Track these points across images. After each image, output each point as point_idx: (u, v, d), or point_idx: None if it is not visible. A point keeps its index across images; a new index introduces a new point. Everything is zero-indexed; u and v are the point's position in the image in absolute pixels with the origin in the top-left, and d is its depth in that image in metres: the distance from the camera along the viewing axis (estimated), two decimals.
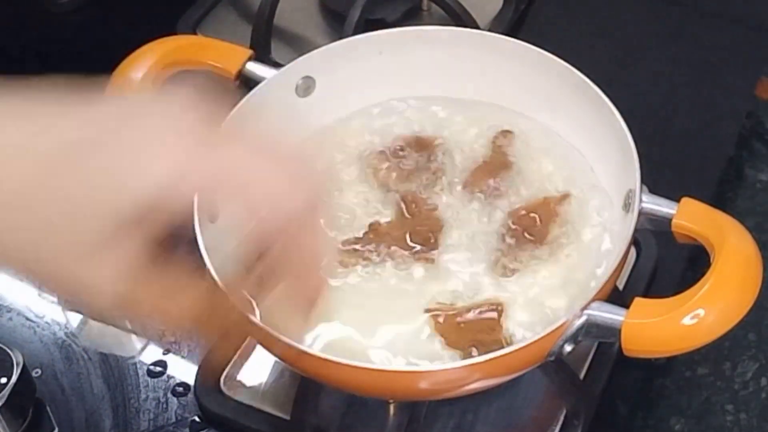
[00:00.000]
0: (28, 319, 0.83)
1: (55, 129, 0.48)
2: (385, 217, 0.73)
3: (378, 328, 0.68)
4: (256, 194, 0.50)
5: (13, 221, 0.48)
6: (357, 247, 0.71)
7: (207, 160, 0.48)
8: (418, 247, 0.71)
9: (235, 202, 0.51)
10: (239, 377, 0.78)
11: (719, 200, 0.90)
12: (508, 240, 0.72)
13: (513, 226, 0.72)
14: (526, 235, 0.72)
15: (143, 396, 0.78)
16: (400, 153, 0.76)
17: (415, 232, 0.72)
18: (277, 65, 0.77)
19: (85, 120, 0.49)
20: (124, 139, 0.48)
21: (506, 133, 0.77)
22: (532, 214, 0.73)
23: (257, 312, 0.59)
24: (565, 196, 0.74)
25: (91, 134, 0.48)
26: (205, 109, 0.49)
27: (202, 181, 0.49)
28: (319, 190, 0.53)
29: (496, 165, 0.76)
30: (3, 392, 0.72)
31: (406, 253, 0.71)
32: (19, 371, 0.73)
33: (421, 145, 0.77)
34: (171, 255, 0.51)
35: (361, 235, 0.72)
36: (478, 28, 0.96)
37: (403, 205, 0.73)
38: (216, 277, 0.65)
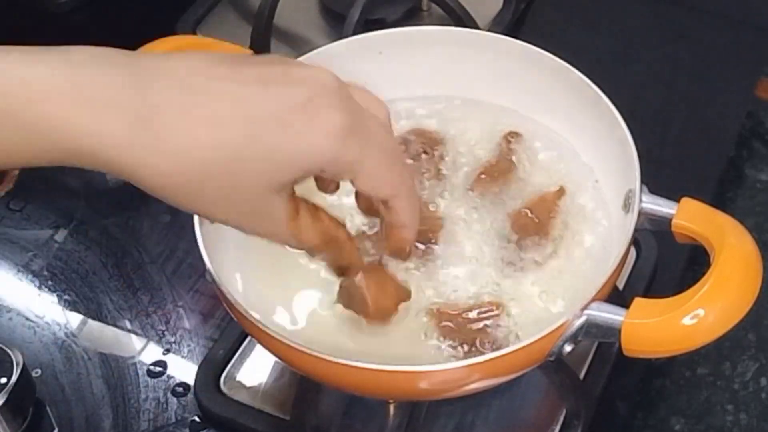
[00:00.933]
0: (28, 319, 0.83)
1: (248, 102, 0.55)
2: None
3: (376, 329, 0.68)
4: (366, 184, 0.59)
5: (218, 176, 0.55)
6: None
7: (350, 150, 0.56)
8: (418, 247, 0.71)
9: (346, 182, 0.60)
10: (239, 377, 0.78)
11: (719, 200, 0.90)
12: (510, 240, 0.72)
13: (514, 226, 0.72)
14: (526, 234, 0.72)
15: (143, 396, 0.78)
16: (411, 139, 0.76)
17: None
18: None
19: (264, 95, 0.55)
20: (290, 118, 0.55)
21: (514, 134, 0.77)
22: (531, 213, 0.73)
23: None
24: (560, 191, 0.74)
25: (270, 109, 0.55)
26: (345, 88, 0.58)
27: (343, 165, 0.57)
28: (413, 178, 0.63)
29: (499, 166, 0.76)
30: (3, 392, 0.72)
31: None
32: (19, 371, 0.73)
33: (427, 138, 0.77)
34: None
35: (363, 231, 0.72)
36: (478, 28, 0.96)
37: None
38: (216, 277, 0.65)
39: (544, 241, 0.72)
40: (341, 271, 0.65)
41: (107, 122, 0.53)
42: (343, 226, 0.64)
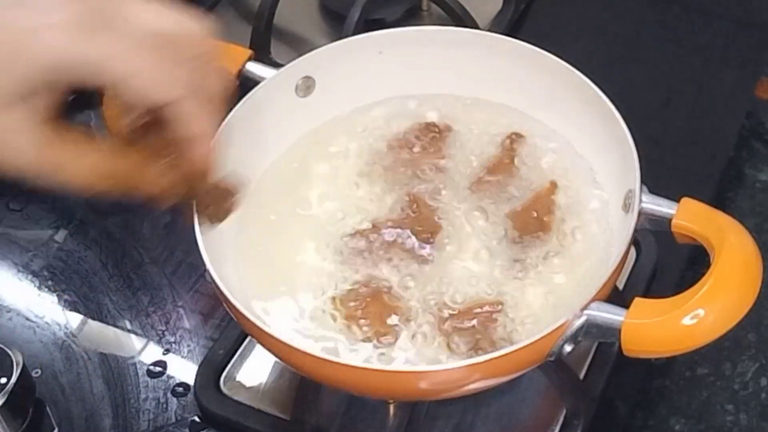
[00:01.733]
0: (28, 319, 0.83)
1: None
2: (386, 213, 0.73)
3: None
4: (132, 87, 0.50)
5: None
6: (355, 243, 0.71)
7: (90, 47, 0.48)
8: (417, 246, 0.71)
9: (118, 92, 0.50)
10: (239, 377, 0.78)
11: (719, 200, 0.90)
12: (510, 239, 0.72)
13: (514, 226, 0.72)
14: (527, 233, 0.72)
15: (143, 396, 0.78)
16: (411, 139, 0.77)
17: (415, 232, 0.72)
18: (276, 65, 0.77)
19: None
20: (25, 7, 0.48)
21: (517, 135, 0.77)
22: (530, 212, 0.73)
23: None
24: (552, 185, 0.74)
25: None
26: None
27: (86, 66, 0.48)
28: (199, 75, 0.53)
29: (500, 166, 0.76)
30: (3, 392, 0.72)
31: (405, 251, 0.71)
32: (19, 371, 0.73)
33: (428, 135, 0.77)
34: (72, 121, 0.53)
35: (362, 228, 0.72)
36: (478, 28, 0.96)
37: (405, 204, 0.73)
38: (216, 277, 0.65)
39: (544, 241, 0.72)
40: (152, 203, 0.57)
41: None
42: (132, 155, 0.53)
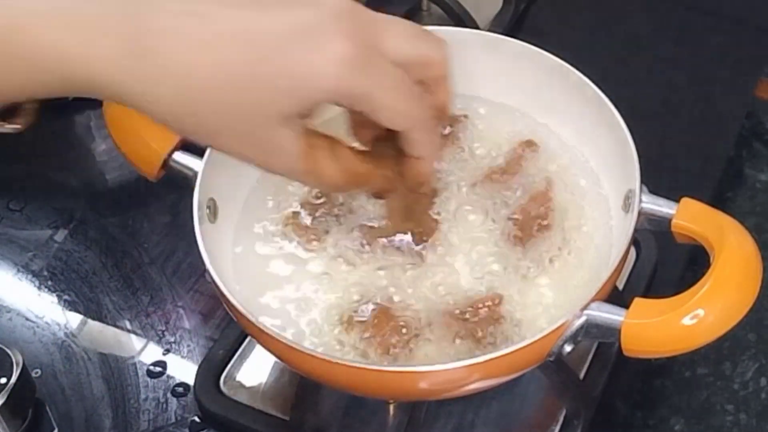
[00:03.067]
0: (28, 319, 0.83)
1: (249, 26, 0.54)
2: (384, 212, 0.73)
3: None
4: (383, 116, 0.57)
5: (220, 102, 0.54)
6: (352, 242, 0.72)
7: (362, 81, 0.55)
8: (416, 246, 0.71)
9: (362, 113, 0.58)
10: (239, 377, 0.78)
11: (719, 200, 0.90)
12: (510, 240, 0.72)
13: (514, 226, 0.72)
14: (526, 233, 0.72)
15: (143, 396, 0.78)
16: None
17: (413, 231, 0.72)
18: None
19: (265, 19, 0.54)
20: (292, 43, 0.54)
21: (530, 143, 0.77)
22: (530, 212, 0.73)
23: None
24: (550, 184, 0.74)
25: (271, 32, 0.54)
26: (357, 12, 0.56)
27: (355, 96, 0.56)
28: (431, 113, 0.61)
29: (501, 168, 0.76)
30: (3, 392, 0.72)
31: (400, 251, 0.71)
32: (18, 371, 0.73)
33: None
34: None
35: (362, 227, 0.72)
36: (478, 28, 0.96)
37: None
38: (216, 278, 0.65)
39: (544, 242, 0.72)
40: (378, 195, 0.65)
41: (100, 47, 0.52)
42: (368, 160, 0.62)
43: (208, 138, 0.56)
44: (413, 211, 0.69)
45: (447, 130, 0.77)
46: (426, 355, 0.67)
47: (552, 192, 0.74)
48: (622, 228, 0.69)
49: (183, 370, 0.80)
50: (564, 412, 0.75)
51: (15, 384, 0.72)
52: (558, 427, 0.74)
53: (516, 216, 0.73)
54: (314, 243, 0.72)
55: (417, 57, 0.59)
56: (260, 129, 0.55)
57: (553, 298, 0.70)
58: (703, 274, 0.62)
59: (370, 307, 0.68)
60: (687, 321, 0.61)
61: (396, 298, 0.69)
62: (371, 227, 0.72)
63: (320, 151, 0.58)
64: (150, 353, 0.81)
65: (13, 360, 0.73)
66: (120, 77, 0.53)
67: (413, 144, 0.60)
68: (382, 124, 0.58)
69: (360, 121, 0.61)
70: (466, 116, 0.78)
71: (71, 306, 0.84)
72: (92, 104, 0.84)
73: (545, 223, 0.72)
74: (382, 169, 0.63)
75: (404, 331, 0.67)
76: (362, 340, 0.67)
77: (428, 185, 0.68)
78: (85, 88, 0.53)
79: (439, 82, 0.62)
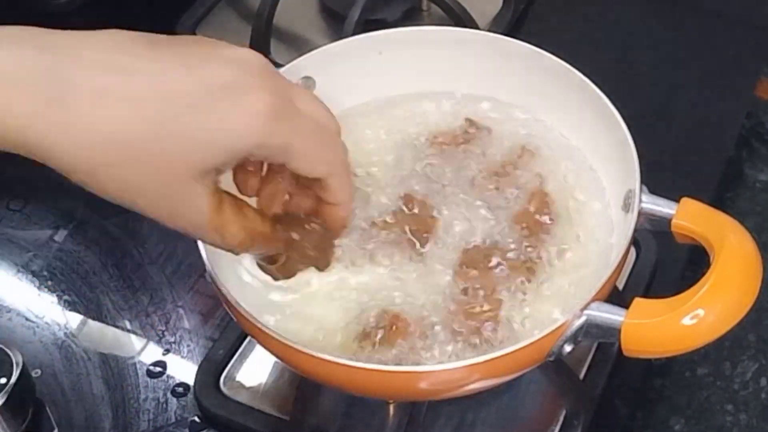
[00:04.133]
0: (28, 319, 0.83)
1: (168, 81, 0.53)
2: (383, 211, 0.73)
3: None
4: (302, 165, 0.58)
5: (138, 157, 0.53)
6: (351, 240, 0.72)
7: (279, 132, 0.55)
8: (414, 240, 0.71)
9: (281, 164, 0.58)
10: (239, 377, 0.78)
11: (719, 200, 0.90)
12: (512, 238, 0.72)
13: (512, 227, 0.72)
14: (526, 234, 0.72)
15: (143, 396, 0.78)
16: (410, 139, 0.77)
17: (411, 231, 0.72)
18: (276, 65, 0.76)
19: (186, 75, 0.54)
20: (213, 99, 0.54)
21: (530, 143, 0.77)
22: (529, 213, 0.73)
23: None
24: (547, 182, 0.74)
25: (192, 89, 0.54)
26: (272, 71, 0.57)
27: (273, 148, 0.56)
28: (345, 156, 0.62)
29: (501, 169, 0.76)
30: (3, 392, 0.72)
31: (400, 250, 0.71)
32: (18, 371, 0.73)
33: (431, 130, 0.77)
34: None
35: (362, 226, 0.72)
36: (477, 28, 0.96)
37: (401, 203, 0.73)
38: (216, 278, 0.65)
39: (544, 242, 0.72)
40: (269, 260, 0.64)
41: (18, 101, 0.51)
42: (269, 218, 0.61)
43: (118, 193, 0.55)
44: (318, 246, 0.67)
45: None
46: (427, 355, 0.67)
47: (551, 192, 0.74)
48: (622, 228, 0.69)
49: (183, 370, 0.80)
50: (564, 412, 0.75)
51: (15, 384, 0.72)
52: (558, 427, 0.74)
53: (515, 216, 0.73)
54: None
55: (323, 117, 0.60)
56: (174, 185, 0.54)
57: (553, 297, 0.69)
58: (703, 274, 0.62)
59: (376, 311, 0.68)
60: (687, 321, 0.61)
61: (398, 300, 0.69)
62: (375, 224, 0.72)
63: (227, 209, 0.58)
64: (150, 353, 0.81)
65: (13, 360, 0.73)
66: (35, 130, 0.52)
67: (331, 190, 0.60)
68: (301, 173, 0.58)
69: (244, 174, 0.61)
70: (467, 119, 0.78)
71: (71, 306, 0.84)
72: None
73: (544, 223, 0.73)
74: (287, 231, 0.63)
75: (410, 329, 0.67)
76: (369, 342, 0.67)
77: (342, 234, 0.67)
78: (3, 142, 0.52)
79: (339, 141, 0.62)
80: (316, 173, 0.59)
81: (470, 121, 0.78)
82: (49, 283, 0.85)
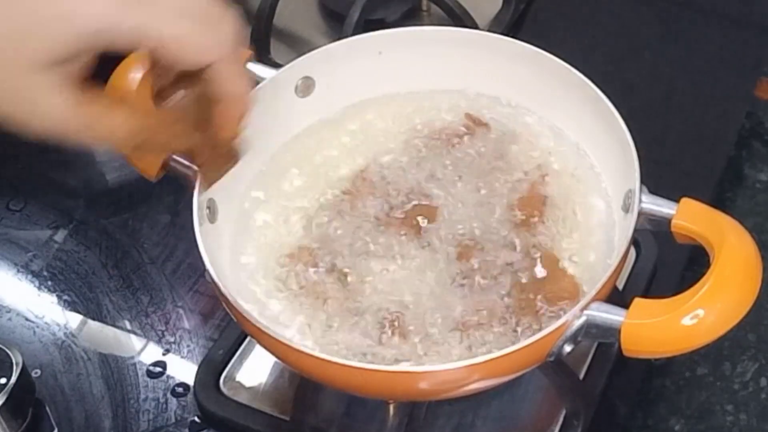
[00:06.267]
0: (27, 319, 0.83)
1: None
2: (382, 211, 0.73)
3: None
4: (172, 51, 0.53)
5: None
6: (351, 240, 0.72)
7: (132, 15, 0.51)
8: (413, 238, 0.71)
9: (157, 57, 0.54)
10: (239, 377, 0.78)
11: (719, 200, 0.90)
12: (511, 237, 0.72)
13: (513, 222, 0.72)
14: (526, 230, 0.72)
15: (143, 396, 0.78)
16: (410, 138, 0.77)
17: (412, 226, 0.72)
18: (276, 65, 0.77)
19: None
20: None
21: (529, 143, 0.77)
22: (528, 209, 0.73)
23: None
24: (547, 181, 0.74)
25: None
26: None
27: (128, 32, 0.51)
28: (233, 42, 0.56)
29: (503, 168, 0.76)
30: (3, 392, 0.72)
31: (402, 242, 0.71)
32: (18, 371, 0.73)
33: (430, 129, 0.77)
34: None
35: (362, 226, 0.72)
36: (477, 28, 0.96)
37: (403, 199, 0.74)
38: (216, 278, 0.65)
39: (543, 241, 0.72)
40: (190, 158, 0.60)
41: None
42: (166, 113, 0.57)
43: None
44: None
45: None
46: (427, 355, 0.67)
47: (551, 191, 0.74)
48: (622, 228, 0.69)
49: (183, 370, 0.80)
50: (564, 412, 0.75)
51: (15, 384, 0.72)
52: (558, 427, 0.74)
53: (514, 216, 0.73)
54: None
55: (202, 4, 0.55)
56: (20, 78, 0.50)
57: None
58: (703, 274, 0.62)
59: (376, 311, 0.68)
60: (687, 321, 0.61)
61: (398, 299, 0.69)
62: (377, 219, 0.72)
63: (95, 104, 0.53)
64: (150, 353, 0.81)
65: (13, 360, 0.73)
66: None
67: (215, 82, 0.55)
68: (178, 64, 0.53)
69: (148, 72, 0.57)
70: (467, 114, 0.78)
71: (71, 306, 0.84)
72: None
73: (544, 222, 0.73)
74: (181, 123, 0.57)
75: (410, 329, 0.67)
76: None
77: (238, 134, 0.61)
78: None
79: (229, 30, 0.56)
80: (193, 61, 0.54)
81: (470, 117, 0.78)
82: (49, 283, 0.85)
